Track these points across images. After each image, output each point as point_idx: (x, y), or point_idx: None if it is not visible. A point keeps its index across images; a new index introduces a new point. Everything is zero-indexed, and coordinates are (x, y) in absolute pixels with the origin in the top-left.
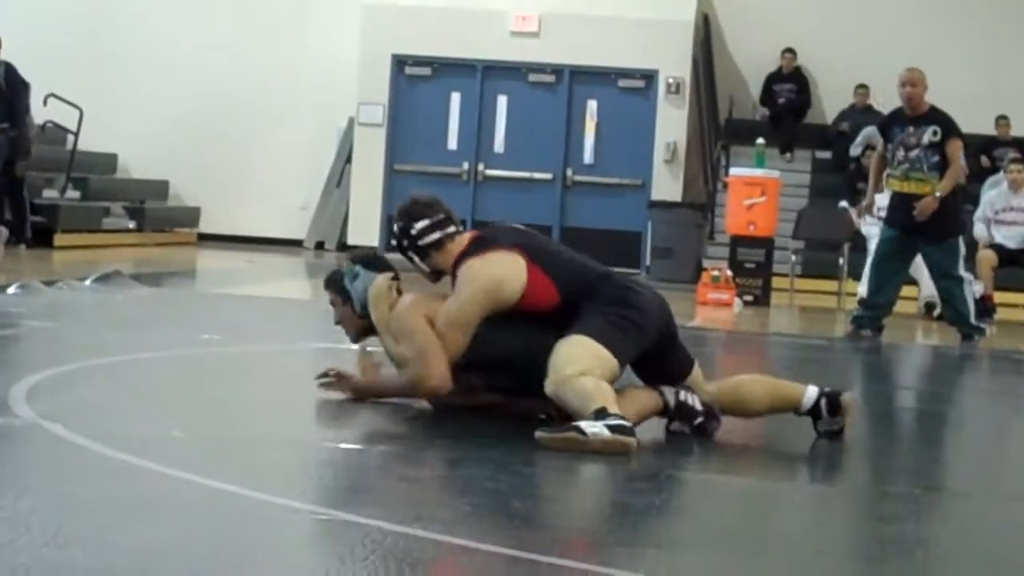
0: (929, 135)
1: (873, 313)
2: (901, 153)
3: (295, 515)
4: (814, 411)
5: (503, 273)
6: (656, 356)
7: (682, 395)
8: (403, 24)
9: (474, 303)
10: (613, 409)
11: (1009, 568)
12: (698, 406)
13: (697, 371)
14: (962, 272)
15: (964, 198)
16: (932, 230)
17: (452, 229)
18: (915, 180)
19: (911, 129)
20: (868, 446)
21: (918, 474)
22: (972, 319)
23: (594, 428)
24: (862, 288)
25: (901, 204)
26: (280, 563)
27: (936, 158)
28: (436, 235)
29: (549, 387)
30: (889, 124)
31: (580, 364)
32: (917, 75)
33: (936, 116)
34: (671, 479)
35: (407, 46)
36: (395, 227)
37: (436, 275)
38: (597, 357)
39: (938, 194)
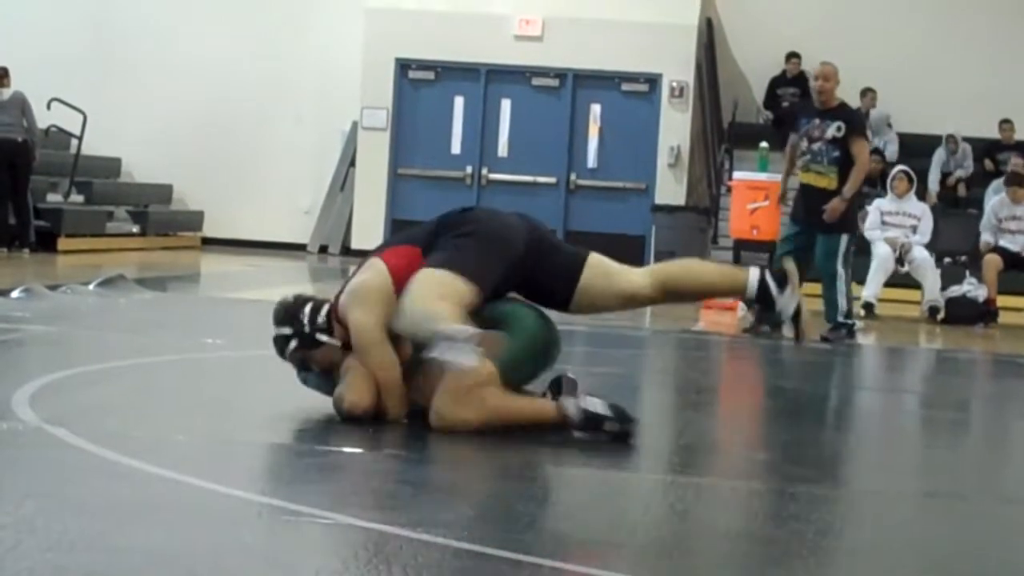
0: (833, 130)
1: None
2: (805, 144)
3: (298, 519)
4: (763, 292)
5: (371, 283)
6: (535, 267)
7: (585, 403)
8: (406, 28)
9: (365, 320)
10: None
11: (1009, 572)
12: (605, 411)
13: (598, 264)
14: (840, 268)
15: (861, 200)
16: (823, 221)
17: (319, 300)
18: (814, 172)
19: (817, 121)
20: (869, 449)
21: (917, 477)
22: (840, 316)
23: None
24: (866, 292)
25: (801, 194)
26: (282, 567)
27: (836, 153)
28: (311, 308)
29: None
30: (799, 114)
31: (426, 301)
32: (830, 69)
33: (844, 112)
34: (673, 484)
35: (411, 50)
36: (286, 335)
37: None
38: (441, 285)
39: (846, 195)
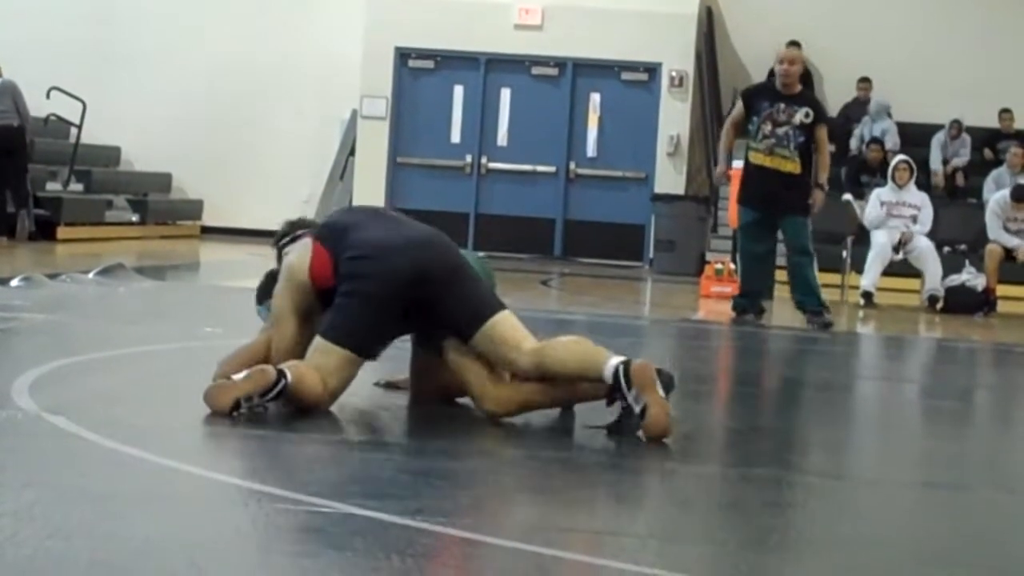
0: (802, 116)
1: (750, 300)
2: (768, 128)
3: (296, 507)
4: (615, 385)
5: (291, 260)
6: (440, 299)
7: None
8: (406, 17)
9: (280, 293)
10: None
11: (1009, 562)
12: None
13: (504, 324)
14: (812, 249)
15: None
16: (792, 205)
17: (298, 233)
18: (779, 156)
19: (782, 106)
20: (869, 438)
21: (917, 467)
22: (821, 296)
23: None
24: (864, 281)
25: (760, 178)
26: (281, 556)
27: (803, 139)
28: (285, 240)
29: None
30: (756, 96)
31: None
32: (796, 53)
33: (808, 98)
34: (673, 472)
35: (410, 39)
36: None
37: None
38: (319, 352)
39: (824, 183)
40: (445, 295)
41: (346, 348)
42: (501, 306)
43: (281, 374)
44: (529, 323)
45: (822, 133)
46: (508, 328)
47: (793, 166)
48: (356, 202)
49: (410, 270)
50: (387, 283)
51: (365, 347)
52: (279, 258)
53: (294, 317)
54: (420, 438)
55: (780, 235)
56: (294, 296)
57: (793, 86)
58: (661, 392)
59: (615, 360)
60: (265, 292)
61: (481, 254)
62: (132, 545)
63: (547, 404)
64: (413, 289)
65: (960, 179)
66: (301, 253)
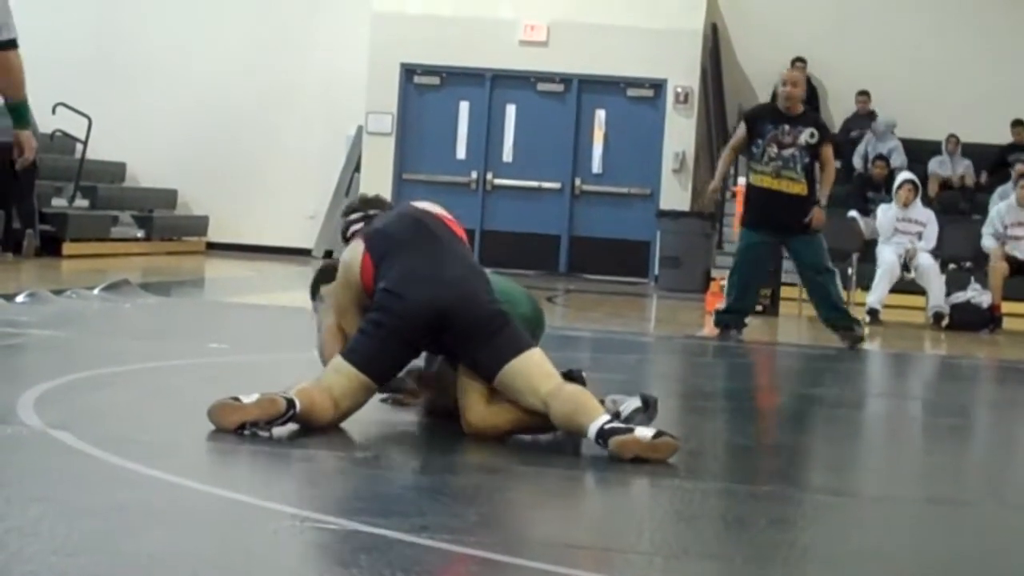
0: (806, 136)
1: (736, 317)
2: (774, 150)
3: (301, 524)
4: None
5: (347, 259)
6: (452, 344)
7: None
8: (412, 33)
9: (339, 288)
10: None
11: None
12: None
13: (521, 368)
14: (831, 265)
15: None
16: (803, 226)
17: (370, 213)
18: (786, 179)
19: (786, 127)
20: (874, 454)
21: (921, 483)
22: (848, 311)
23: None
24: (870, 298)
25: (769, 202)
26: (286, 572)
27: (808, 160)
28: (356, 226)
29: None
30: (759, 118)
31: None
32: (799, 75)
33: (813, 118)
34: (679, 489)
35: (416, 55)
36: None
37: None
38: (338, 373)
39: (823, 202)
40: (465, 342)
41: (365, 374)
42: (525, 346)
43: (291, 405)
44: None
45: (827, 151)
46: (525, 373)
47: (800, 188)
48: None
49: (430, 312)
50: (409, 322)
51: (384, 376)
52: (344, 233)
53: (354, 309)
54: (425, 454)
55: (787, 255)
56: (351, 291)
57: (796, 107)
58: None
59: (600, 422)
60: (318, 286)
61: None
62: (137, 562)
63: (527, 431)
64: (432, 330)
65: (969, 180)
66: (353, 255)
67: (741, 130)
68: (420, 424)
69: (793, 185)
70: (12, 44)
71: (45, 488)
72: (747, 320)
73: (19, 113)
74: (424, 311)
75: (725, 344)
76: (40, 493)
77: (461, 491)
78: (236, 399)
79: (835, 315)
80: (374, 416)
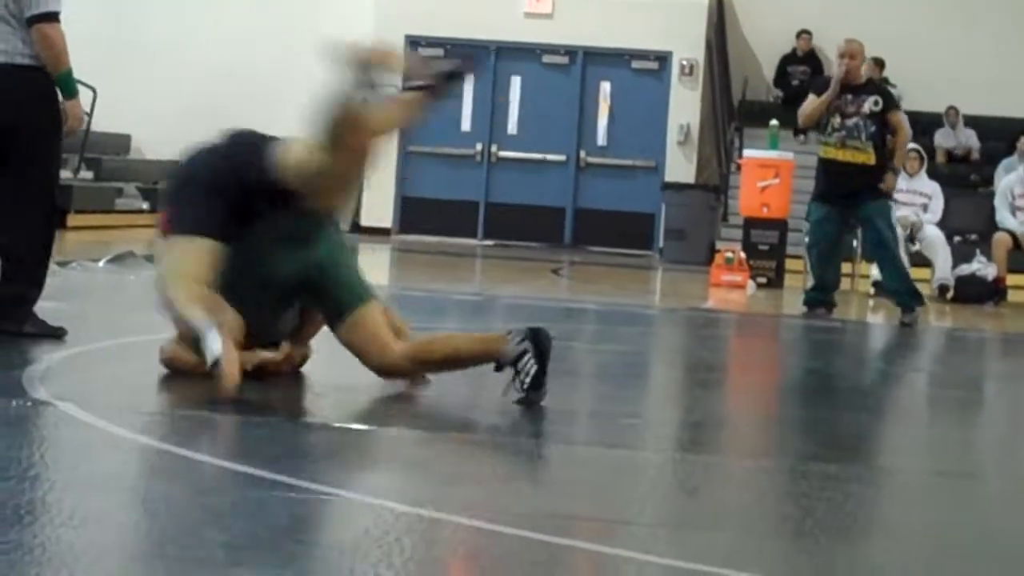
0: (870, 104)
1: (821, 295)
2: (837, 120)
3: (307, 495)
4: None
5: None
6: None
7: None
8: (416, 5)
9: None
10: None
11: (1021, 550)
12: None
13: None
14: (898, 234)
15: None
16: (871, 191)
17: None
18: (851, 148)
19: (849, 97)
20: (880, 427)
21: (928, 456)
22: (916, 288)
23: None
24: (876, 269)
25: (836, 172)
26: (293, 544)
27: (874, 128)
28: None
29: None
30: (823, 89)
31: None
32: (856, 47)
33: (875, 86)
34: (682, 462)
35: (421, 27)
36: None
37: None
38: (179, 256)
39: (898, 167)
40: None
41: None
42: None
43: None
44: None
45: (896, 117)
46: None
47: (866, 157)
48: (367, 190)
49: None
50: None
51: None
52: None
53: None
54: (429, 426)
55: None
56: None
57: (857, 78)
58: None
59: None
60: None
61: (491, 242)
62: (144, 532)
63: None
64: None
65: (975, 155)
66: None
67: (811, 98)
68: (423, 398)
69: (859, 154)
70: (47, 17)
71: (52, 460)
72: (835, 298)
73: (64, 84)
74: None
75: (728, 316)
76: (47, 465)
77: (463, 464)
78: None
79: (902, 285)
80: (376, 389)
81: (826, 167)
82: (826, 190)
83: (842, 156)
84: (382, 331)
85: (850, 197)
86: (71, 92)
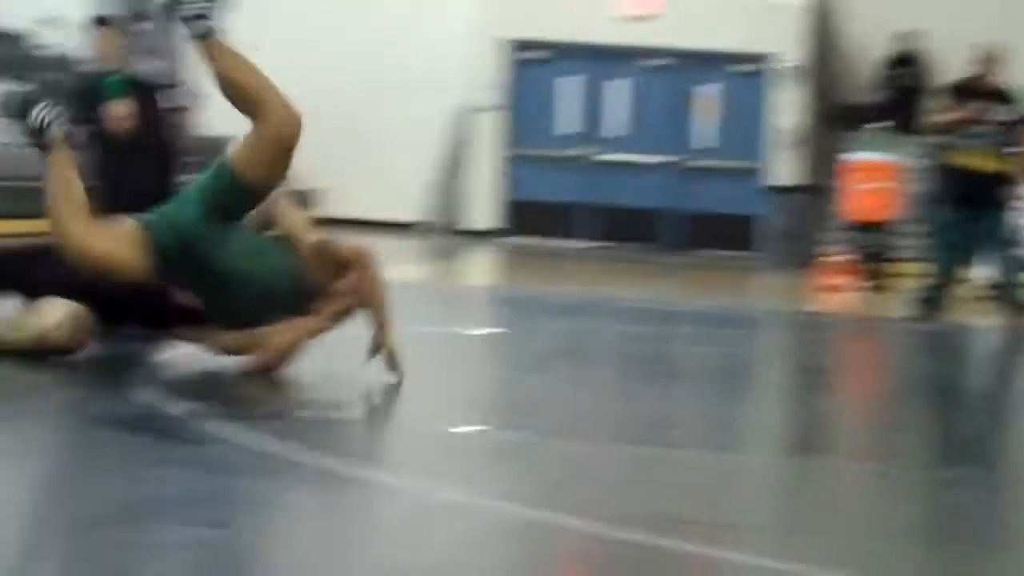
0: (1003, 112)
1: (941, 297)
2: (969, 127)
3: (425, 499)
4: None
5: None
6: None
7: None
8: (519, 8)
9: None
10: None
11: None
12: None
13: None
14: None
15: None
16: (998, 198)
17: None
18: (983, 154)
19: (981, 104)
20: (1002, 433)
21: None
22: None
23: None
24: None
25: (966, 178)
26: (407, 551)
27: (1004, 135)
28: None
29: None
30: (958, 94)
31: None
32: (994, 52)
33: (1008, 94)
34: (789, 464)
35: (524, 29)
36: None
37: None
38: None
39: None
40: None
41: None
42: None
43: None
44: (639, 314)
45: None
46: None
47: (997, 163)
48: (470, 193)
49: None
50: None
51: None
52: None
53: None
54: (516, 427)
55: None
56: None
57: (990, 84)
58: None
59: None
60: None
61: (594, 244)
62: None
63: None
64: None
65: None
66: None
67: (945, 103)
68: (550, 403)
69: (989, 161)
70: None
71: (167, 461)
72: (952, 301)
73: None
74: None
75: (834, 319)
76: (167, 472)
77: (541, 460)
78: None
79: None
80: (504, 390)
81: (955, 172)
82: (956, 195)
83: (971, 163)
84: None
85: (977, 203)
86: None
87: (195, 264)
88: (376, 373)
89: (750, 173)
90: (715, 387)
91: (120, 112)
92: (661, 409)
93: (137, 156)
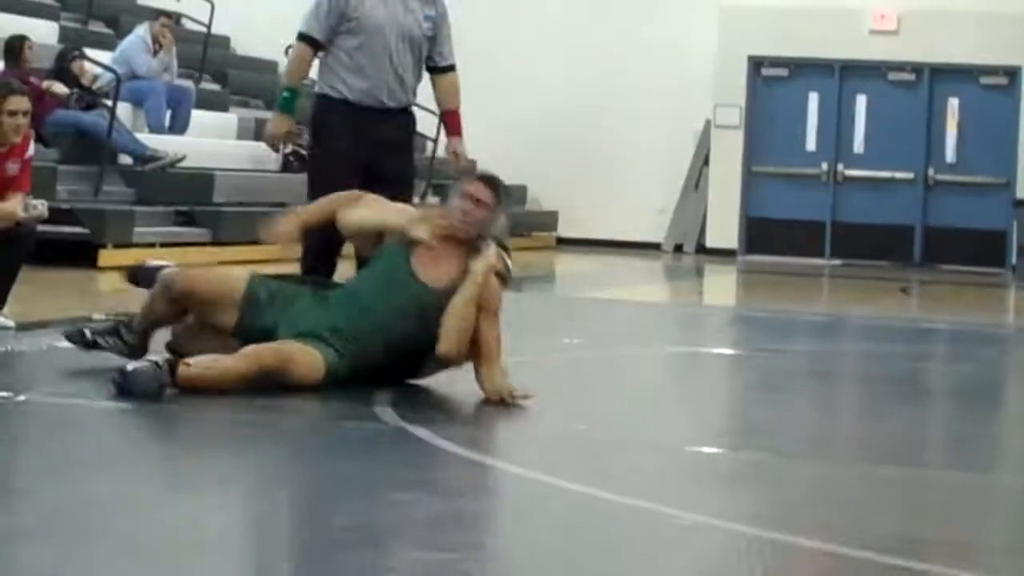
0: None
1: None
2: None
3: (670, 520)
4: None
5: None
6: None
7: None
8: (760, 25)
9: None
10: None
11: None
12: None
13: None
14: None
15: None
16: None
17: None
18: None
19: None
20: None
21: None
22: None
23: None
24: None
25: None
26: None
27: None
28: None
29: None
30: None
31: None
32: None
33: None
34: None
35: (764, 47)
36: None
37: None
38: None
39: None
40: None
41: None
42: None
43: None
44: (884, 332)
45: None
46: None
47: None
48: (711, 211)
49: None
50: None
51: None
52: None
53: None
54: (754, 447)
55: None
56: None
57: None
58: None
59: None
60: None
61: (838, 262)
62: (505, 557)
63: None
64: None
65: None
66: None
67: None
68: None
69: None
70: (452, 68)
71: (403, 483)
72: None
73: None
74: None
75: None
76: (396, 489)
77: (798, 486)
78: None
79: None
80: (735, 407)
81: None
82: None
83: None
84: None
85: None
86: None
87: None
88: (611, 393)
89: (1000, 187)
90: (962, 407)
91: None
92: (906, 429)
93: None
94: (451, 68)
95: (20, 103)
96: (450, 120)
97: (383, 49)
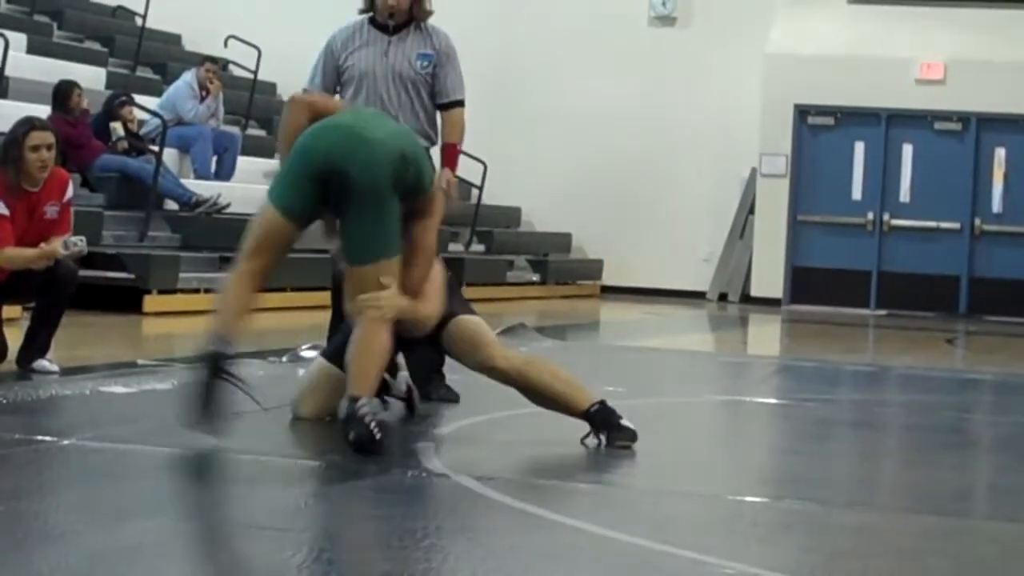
0: None
1: None
2: None
3: (709, 569)
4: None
5: None
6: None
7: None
8: (806, 74)
9: None
10: None
11: None
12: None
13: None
14: None
15: None
16: None
17: None
18: None
19: None
20: None
21: None
22: None
23: None
24: None
25: None
26: None
27: None
28: None
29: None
30: None
31: None
32: None
33: None
34: None
35: (810, 95)
36: None
37: None
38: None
39: None
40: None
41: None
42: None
43: None
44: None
45: None
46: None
47: None
48: (756, 260)
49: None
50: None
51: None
52: None
53: None
54: (798, 496)
55: None
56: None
57: None
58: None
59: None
60: None
61: (883, 312)
62: None
63: None
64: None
65: None
66: None
67: None
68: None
69: None
70: (457, 104)
71: (447, 531)
72: None
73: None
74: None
75: None
76: (442, 537)
77: (841, 537)
78: None
79: None
80: (784, 457)
81: None
82: None
83: None
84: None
85: None
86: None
87: None
88: (653, 442)
89: None
90: (1010, 457)
91: None
92: (952, 479)
93: None
94: (455, 104)
95: (43, 138)
96: (447, 152)
97: (374, 94)
